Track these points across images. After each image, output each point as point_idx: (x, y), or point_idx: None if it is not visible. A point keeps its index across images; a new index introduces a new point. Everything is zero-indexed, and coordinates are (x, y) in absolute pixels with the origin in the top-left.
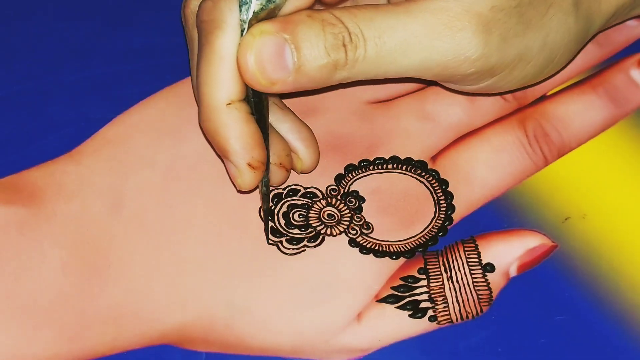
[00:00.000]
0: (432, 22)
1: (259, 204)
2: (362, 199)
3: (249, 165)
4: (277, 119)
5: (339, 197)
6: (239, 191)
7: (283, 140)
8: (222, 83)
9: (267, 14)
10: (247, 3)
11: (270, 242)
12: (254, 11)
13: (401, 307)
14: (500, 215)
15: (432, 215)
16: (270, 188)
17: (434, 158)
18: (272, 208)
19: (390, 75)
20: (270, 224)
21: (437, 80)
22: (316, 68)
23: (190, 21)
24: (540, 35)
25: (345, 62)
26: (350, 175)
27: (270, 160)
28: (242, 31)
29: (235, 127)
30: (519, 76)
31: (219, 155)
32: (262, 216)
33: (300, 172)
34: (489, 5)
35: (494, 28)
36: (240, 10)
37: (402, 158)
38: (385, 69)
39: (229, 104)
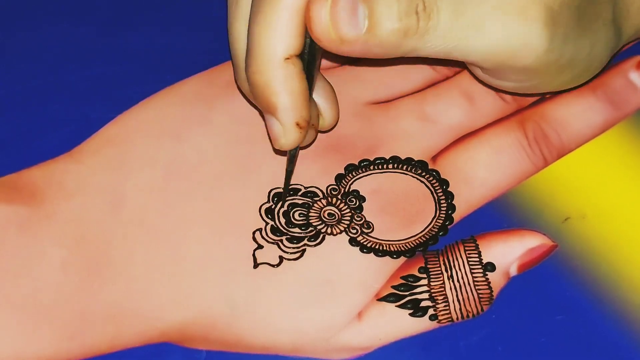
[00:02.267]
0: (507, 3)
1: (259, 202)
2: (363, 199)
3: (297, 124)
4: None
5: (339, 197)
6: (276, 150)
7: (313, 100)
8: (284, 35)
9: None
10: None
11: (284, 201)
12: None
13: (402, 306)
14: (501, 215)
15: (433, 215)
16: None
17: (434, 158)
18: (273, 207)
19: (455, 56)
20: (271, 223)
21: (492, 68)
22: (387, 31)
23: None
24: (589, 42)
25: (416, 30)
26: (350, 174)
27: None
28: None
29: (290, 83)
30: (560, 80)
31: (260, 112)
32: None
33: (320, 129)
34: (558, 0)
35: (559, 24)
36: None
37: (403, 158)
38: (454, 44)
39: (287, 58)
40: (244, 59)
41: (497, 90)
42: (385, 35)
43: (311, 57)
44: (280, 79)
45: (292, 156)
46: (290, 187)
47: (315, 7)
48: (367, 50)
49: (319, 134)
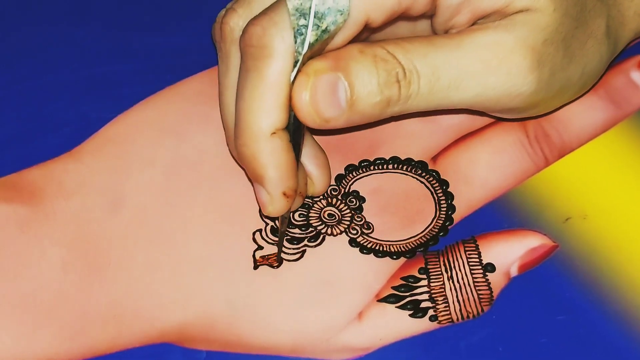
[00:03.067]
0: (486, 57)
1: None
2: (363, 199)
3: (284, 193)
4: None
5: (339, 197)
6: (264, 216)
7: (302, 167)
8: (269, 111)
9: (320, 45)
10: (302, 34)
11: (276, 265)
12: (309, 42)
13: (402, 307)
14: (501, 215)
15: (433, 216)
16: None
17: (434, 158)
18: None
19: (442, 108)
20: (271, 223)
21: (486, 111)
22: (370, 105)
23: (230, 38)
24: (580, 66)
25: (398, 98)
26: (350, 175)
27: None
28: (295, 62)
29: (276, 156)
30: (554, 104)
31: (249, 179)
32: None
33: (310, 195)
34: (541, 39)
35: (545, 63)
36: (296, 42)
37: (403, 158)
38: (437, 103)
39: (274, 133)
40: (233, 128)
41: (503, 120)
42: (368, 108)
43: (297, 127)
44: (266, 152)
45: (283, 218)
46: None
47: (297, 92)
48: (352, 122)
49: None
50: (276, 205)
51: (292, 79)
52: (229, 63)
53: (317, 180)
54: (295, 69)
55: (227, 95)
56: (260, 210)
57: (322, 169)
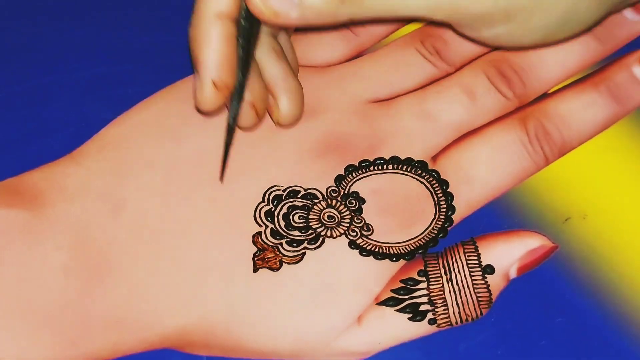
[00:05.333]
0: None
1: (260, 205)
2: (362, 200)
3: (214, 83)
4: (267, 62)
5: (339, 199)
6: (197, 109)
7: (263, 84)
8: None
9: None
10: None
11: (222, 179)
12: None
13: (401, 310)
14: (501, 216)
15: (433, 217)
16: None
17: (434, 158)
18: (272, 209)
19: (399, 15)
20: (270, 226)
21: (448, 22)
22: (322, 1)
23: None
24: None
25: None
26: (350, 176)
27: (244, 97)
28: None
29: (215, 41)
30: (538, 24)
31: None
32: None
33: (277, 123)
34: None
35: None
36: None
37: (403, 158)
38: (392, 6)
39: (218, 16)
40: None
41: (482, 44)
42: (320, 5)
43: (248, 24)
44: (207, 34)
45: (229, 127)
46: (290, 188)
47: None
48: (304, 20)
49: (319, 134)
50: (204, 94)
51: None
52: None
53: (283, 106)
54: None
55: None
56: (260, 212)
57: (290, 95)
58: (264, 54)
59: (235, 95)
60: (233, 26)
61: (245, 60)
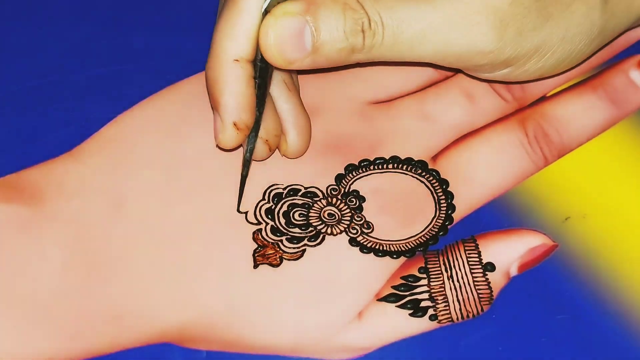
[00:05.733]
0: (450, 14)
1: (259, 203)
2: (363, 199)
3: (235, 124)
4: (280, 97)
5: (339, 197)
6: (218, 146)
7: (278, 119)
8: (236, 37)
9: None
10: None
11: (240, 211)
12: None
13: (402, 306)
14: (501, 214)
15: (433, 215)
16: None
17: (434, 158)
18: (273, 208)
19: (406, 60)
20: (271, 223)
21: (451, 67)
22: (334, 50)
23: None
24: (561, 28)
25: (362, 47)
26: (350, 175)
27: (259, 134)
28: None
29: (234, 84)
30: (535, 67)
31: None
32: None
33: (283, 155)
34: (508, 0)
35: (511, 23)
36: None
37: (403, 158)
38: (400, 55)
39: (236, 60)
40: None
41: (480, 80)
42: (332, 53)
43: (264, 64)
44: (226, 77)
45: (245, 161)
46: (291, 187)
47: (263, 31)
48: (316, 65)
49: (319, 134)
50: (226, 134)
51: (262, 10)
52: (222, 2)
53: (291, 141)
54: (267, 2)
55: None
56: (260, 210)
57: (299, 131)
58: (276, 87)
59: (252, 132)
60: (251, 67)
61: (261, 98)
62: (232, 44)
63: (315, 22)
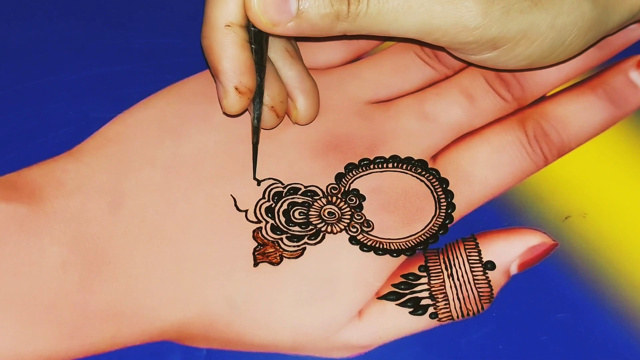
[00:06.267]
0: None
1: (259, 201)
2: (363, 197)
3: (236, 88)
4: (284, 65)
5: (339, 196)
6: (225, 113)
7: (282, 86)
8: (225, 3)
9: None
10: None
11: (256, 178)
12: None
13: (402, 304)
14: (501, 213)
15: (433, 214)
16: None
17: (434, 157)
18: (273, 206)
19: (391, 34)
20: (271, 221)
21: (438, 44)
22: (318, 16)
23: None
24: (549, 15)
25: (347, 14)
26: (350, 174)
27: (264, 101)
28: None
29: (229, 49)
30: (523, 53)
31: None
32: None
33: (295, 122)
34: None
35: (497, 0)
36: None
37: (403, 157)
38: (385, 26)
39: (228, 25)
40: None
41: (478, 67)
42: (316, 19)
43: (257, 30)
44: (221, 43)
45: (254, 128)
46: (291, 185)
47: None
48: (301, 31)
49: (319, 133)
50: (229, 100)
51: None
52: None
53: (301, 106)
54: None
55: None
56: (260, 208)
57: (306, 95)
58: (279, 56)
59: (257, 98)
60: (244, 31)
61: (260, 63)
62: (222, 10)
63: None
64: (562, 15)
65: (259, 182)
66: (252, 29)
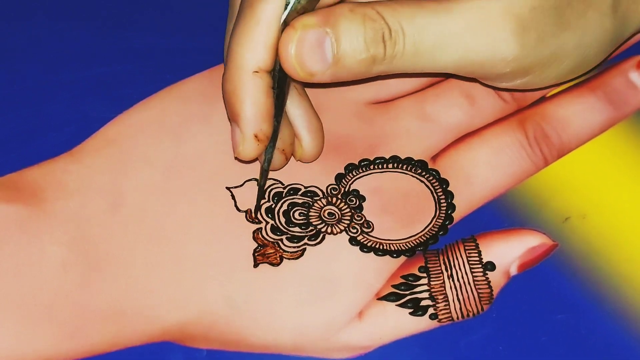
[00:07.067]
0: (471, 21)
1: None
2: (363, 198)
3: (255, 136)
4: (292, 103)
5: (339, 196)
6: (237, 159)
7: (291, 127)
8: (255, 49)
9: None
10: None
11: (256, 220)
12: None
13: (402, 305)
14: (501, 214)
15: (433, 215)
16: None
17: (434, 158)
18: (273, 207)
19: (428, 70)
20: (271, 222)
21: (473, 77)
22: (355, 61)
23: None
24: (576, 35)
25: (383, 57)
26: (350, 174)
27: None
28: (286, 4)
29: (254, 95)
30: (552, 74)
31: (229, 119)
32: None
33: (298, 160)
34: (528, 6)
35: (531, 29)
36: None
37: (403, 158)
38: (422, 64)
39: (256, 71)
40: None
41: (497, 89)
42: (353, 64)
43: (282, 74)
44: (246, 89)
45: (263, 171)
46: (291, 186)
47: (283, 43)
48: (337, 78)
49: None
50: (246, 146)
51: (282, 20)
52: (233, 10)
53: (306, 145)
54: (286, 12)
55: (227, 38)
56: (254, 209)
57: (312, 134)
58: (289, 95)
59: (271, 142)
60: (269, 77)
61: (279, 107)
62: (252, 55)
63: (336, 33)
64: (587, 34)
65: (257, 222)
66: (278, 74)
